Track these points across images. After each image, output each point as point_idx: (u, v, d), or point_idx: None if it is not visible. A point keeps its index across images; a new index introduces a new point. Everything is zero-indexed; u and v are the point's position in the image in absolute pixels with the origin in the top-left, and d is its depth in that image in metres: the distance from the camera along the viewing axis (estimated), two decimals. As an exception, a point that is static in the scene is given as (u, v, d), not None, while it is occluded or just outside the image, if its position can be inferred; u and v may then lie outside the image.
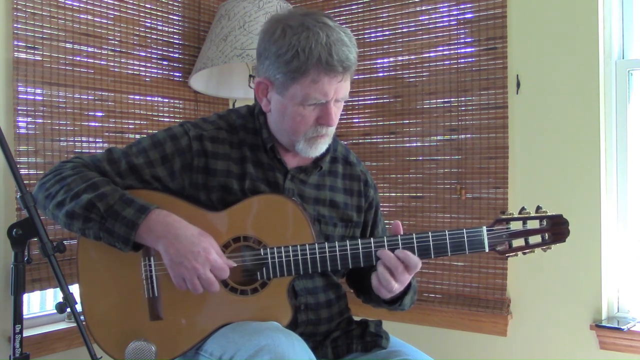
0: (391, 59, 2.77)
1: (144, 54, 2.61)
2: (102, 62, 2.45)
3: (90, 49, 2.40)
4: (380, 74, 2.80)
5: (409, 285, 1.55)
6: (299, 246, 1.49)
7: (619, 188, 2.35)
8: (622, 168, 2.34)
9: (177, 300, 1.52)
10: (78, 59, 2.36)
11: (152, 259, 1.52)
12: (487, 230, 1.49)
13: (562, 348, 2.39)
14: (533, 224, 1.51)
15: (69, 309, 1.56)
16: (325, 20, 1.47)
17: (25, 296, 2.03)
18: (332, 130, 1.57)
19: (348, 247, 1.49)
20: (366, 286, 1.62)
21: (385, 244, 1.48)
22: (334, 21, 1.49)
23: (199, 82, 2.72)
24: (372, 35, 2.81)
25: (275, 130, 1.59)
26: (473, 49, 2.57)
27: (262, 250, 1.50)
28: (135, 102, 2.57)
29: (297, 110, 1.50)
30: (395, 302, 1.59)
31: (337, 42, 1.44)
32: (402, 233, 1.50)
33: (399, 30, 2.74)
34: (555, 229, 1.51)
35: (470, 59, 2.58)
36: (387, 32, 2.78)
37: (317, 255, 1.49)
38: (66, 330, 2.30)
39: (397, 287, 1.47)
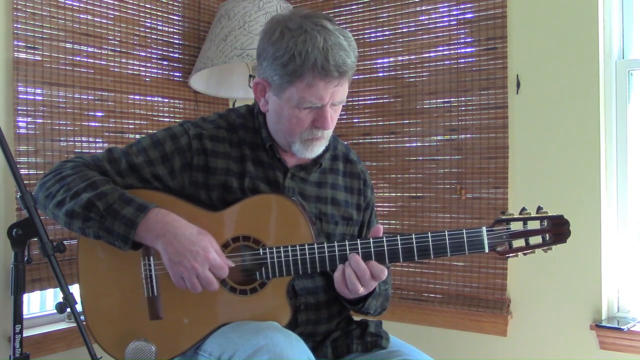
0: (391, 59, 2.77)
1: (144, 54, 2.61)
2: (102, 62, 2.45)
3: (90, 49, 2.40)
4: (380, 74, 2.80)
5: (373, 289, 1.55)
6: (298, 246, 1.49)
7: (619, 188, 2.35)
8: (622, 168, 2.34)
9: (176, 300, 1.52)
10: (78, 59, 2.36)
11: (151, 258, 1.52)
12: (487, 231, 1.49)
13: (562, 348, 2.39)
14: (533, 225, 1.50)
15: (69, 309, 1.56)
16: (325, 24, 1.46)
17: (25, 296, 2.03)
18: (328, 133, 1.57)
19: (347, 247, 1.49)
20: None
21: (385, 243, 1.48)
22: (335, 24, 1.49)
23: (199, 82, 2.72)
24: (372, 35, 2.81)
25: (272, 130, 1.59)
26: (473, 49, 2.57)
27: (261, 250, 1.50)
28: (135, 102, 2.57)
29: (293, 113, 1.50)
30: (357, 303, 1.59)
31: (334, 47, 1.44)
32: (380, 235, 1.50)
33: (399, 30, 2.74)
34: (556, 230, 1.50)
35: (470, 59, 2.58)
36: (387, 32, 2.78)
37: (316, 255, 1.49)
38: (66, 330, 2.30)
39: (362, 291, 1.48)
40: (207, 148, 1.57)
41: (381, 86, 2.80)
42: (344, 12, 2.88)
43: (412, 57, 2.71)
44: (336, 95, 1.50)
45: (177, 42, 2.75)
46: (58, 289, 1.57)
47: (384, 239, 1.49)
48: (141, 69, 2.60)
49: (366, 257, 1.48)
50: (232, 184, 1.57)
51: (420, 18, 2.69)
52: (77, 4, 2.35)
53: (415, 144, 2.72)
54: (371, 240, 1.49)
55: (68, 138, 2.33)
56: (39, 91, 2.24)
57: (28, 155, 2.22)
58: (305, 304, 1.57)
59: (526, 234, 1.50)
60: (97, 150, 2.37)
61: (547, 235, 1.50)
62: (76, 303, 1.58)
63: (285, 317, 1.50)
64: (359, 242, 1.49)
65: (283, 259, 1.49)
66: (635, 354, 2.23)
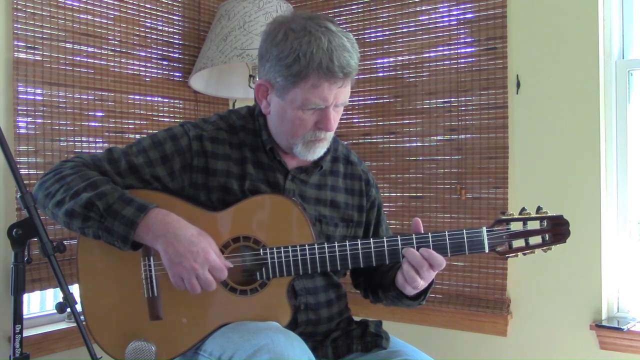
0: (391, 59, 2.77)
1: (144, 54, 2.61)
2: (102, 62, 2.45)
3: (90, 49, 2.40)
4: (380, 74, 2.80)
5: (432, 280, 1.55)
6: (298, 246, 1.49)
7: (619, 188, 2.35)
8: (622, 168, 2.34)
9: (176, 300, 1.52)
10: (78, 59, 2.36)
11: (151, 259, 1.52)
12: (487, 231, 1.49)
13: (562, 348, 2.39)
14: (533, 225, 1.50)
15: (69, 309, 1.56)
16: (328, 25, 1.46)
17: (25, 296, 2.03)
18: (330, 134, 1.57)
19: (348, 248, 1.49)
20: (377, 283, 1.63)
21: (385, 244, 1.48)
22: (337, 25, 1.49)
23: (199, 82, 2.72)
24: (372, 35, 2.81)
25: (274, 132, 1.59)
26: (473, 49, 2.57)
27: (261, 250, 1.50)
28: (135, 102, 2.58)
29: (296, 114, 1.50)
30: (417, 297, 1.59)
31: (338, 48, 1.44)
32: (422, 231, 1.50)
33: (399, 30, 2.74)
34: (556, 230, 1.50)
35: (470, 59, 2.58)
36: (387, 32, 2.78)
37: (317, 256, 1.49)
38: (66, 330, 2.31)
39: (422, 284, 1.48)
40: (207, 150, 1.57)
41: (381, 86, 2.80)
42: (344, 12, 2.88)
43: (412, 57, 2.71)
44: (339, 97, 1.50)
45: (177, 42, 2.75)
46: (58, 289, 1.57)
47: (385, 240, 1.49)
48: (141, 69, 2.60)
49: (366, 257, 1.48)
50: (232, 186, 1.56)
51: (420, 18, 2.69)
52: (77, 4, 2.35)
53: (415, 144, 2.72)
54: (372, 241, 1.49)
55: (68, 138, 2.33)
56: (39, 91, 2.24)
57: (28, 155, 2.22)
58: (305, 304, 1.57)
59: (526, 234, 1.50)
60: (97, 150, 2.36)
61: (547, 235, 1.50)
62: (76, 303, 1.58)
63: (285, 317, 1.50)
64: (359, 242, 1.49)
65: (283, 259, 1.49)
66: (635, 354, 2.23)
